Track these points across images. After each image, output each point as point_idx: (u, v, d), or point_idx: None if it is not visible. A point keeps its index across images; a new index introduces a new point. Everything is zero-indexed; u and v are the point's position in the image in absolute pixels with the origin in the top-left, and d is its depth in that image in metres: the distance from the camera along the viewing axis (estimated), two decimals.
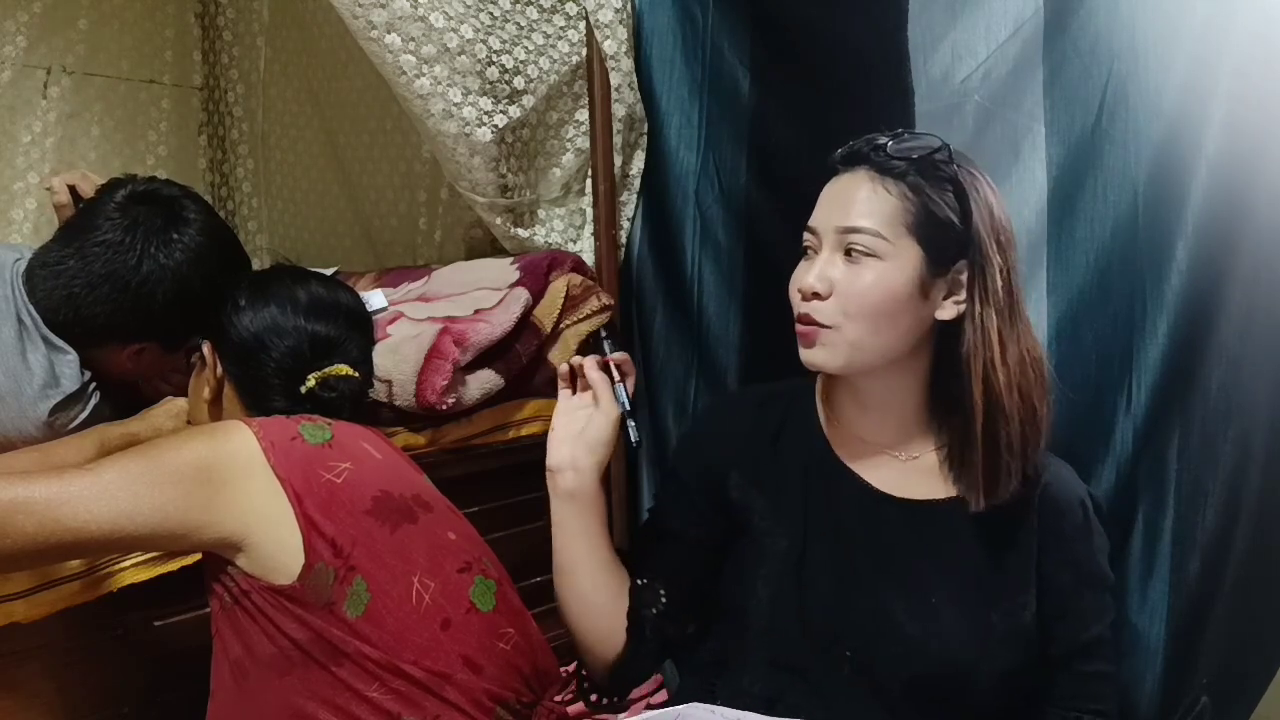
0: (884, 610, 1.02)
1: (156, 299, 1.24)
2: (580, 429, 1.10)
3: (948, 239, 1.01)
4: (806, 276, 1.03)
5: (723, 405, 1.37)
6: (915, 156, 1.02)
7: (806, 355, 1.04)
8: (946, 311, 1.02)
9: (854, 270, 1.01)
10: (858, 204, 1.02)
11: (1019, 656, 1.03)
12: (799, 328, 1.04)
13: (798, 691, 1.02)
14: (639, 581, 1.11)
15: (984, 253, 1.01)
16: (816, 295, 1.02)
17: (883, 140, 1.04)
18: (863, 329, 1.01)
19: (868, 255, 1.00)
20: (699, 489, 1.14)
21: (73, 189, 1.34)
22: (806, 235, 1.06)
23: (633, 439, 1.10)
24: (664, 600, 1.10)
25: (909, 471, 1.08)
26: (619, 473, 1.72)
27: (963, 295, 1.02)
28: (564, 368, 1.14)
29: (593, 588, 1.10)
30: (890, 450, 1.09)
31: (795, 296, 1.05)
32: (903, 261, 1.00)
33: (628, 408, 1.10)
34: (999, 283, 1.01)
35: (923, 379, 1.07)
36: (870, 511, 1.06)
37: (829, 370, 1.05)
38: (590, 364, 1.12)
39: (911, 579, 1.04)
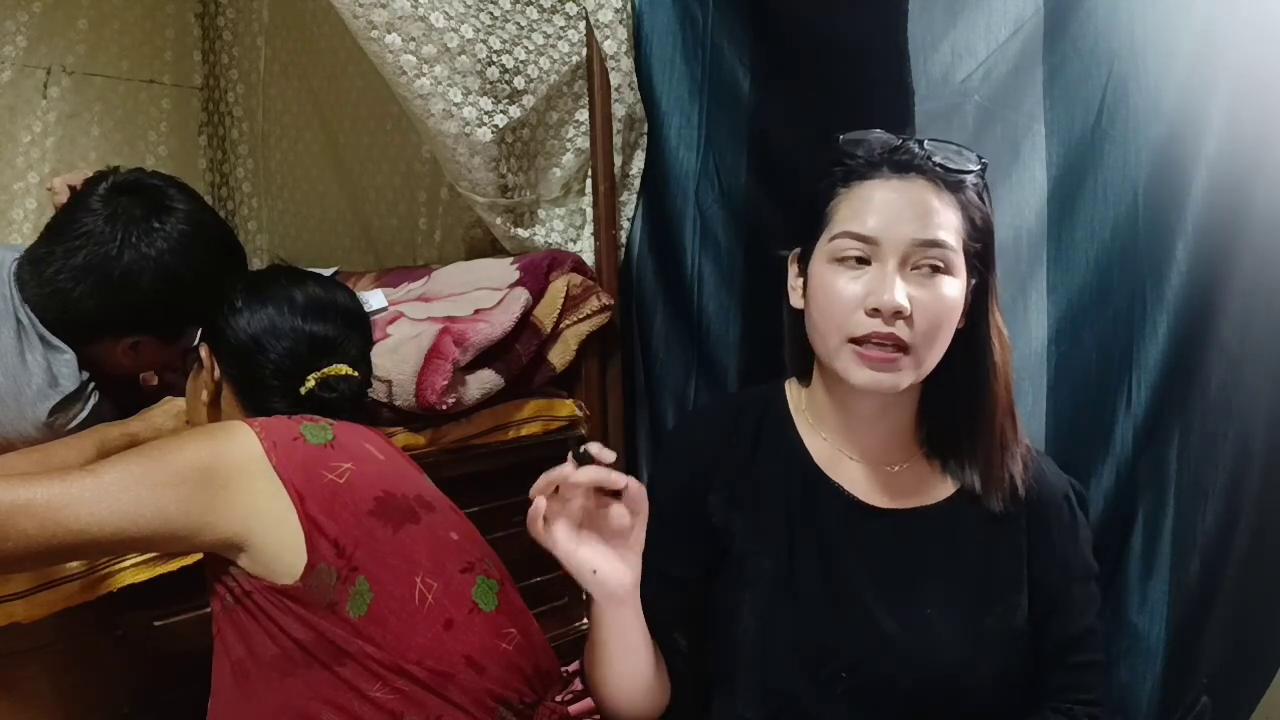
0: (877, 626, 1.01)
1: (141, 289, 1.22)
2: (612, 549, 0.93)
3: (976, 252, 1.01)
4: (891, 295, 0.94)
5: (691, 427, 1.26)
6: (968, 171, 1.00)
7: (875, 379, 0.96)
8: (961, 321, 1.02)
9: (932, 287, 0.97)
10: (935, 217, 0.97)
11: (1013, 658, 1.03)
12: (873, 352, 0.96)
13: (791, 714, 1.01)
14: (657, 637, 1.04)
15: (996, 264, 1.04)
16: (899, 314, 0.95)
17: (924, 148, 1.00)
18: (933, 348, 0.98)
19: (943, 272, 0.97)
20: (680, 523, 1.07)
21: (73, 190, 1.34)
22: (857, 245, 0.98)
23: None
24: (684, 645, 1.07)
25: (894, 481, 1.06)
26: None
27: (969, 305, 1.02)
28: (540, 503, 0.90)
29: (653, 675, 1.02)
30: (875, 461, 1.06)
31: (859, 316, 0.96)
32: (961, 277, 0.99)
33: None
34: (1000, 287, 1.05)
35: (918, 390, 1.05)
36: (858, 525, 1.04)
37: (893, 393, 0.99)
38: (609, 478, 0.90)
39: (904, 591, 1.02)
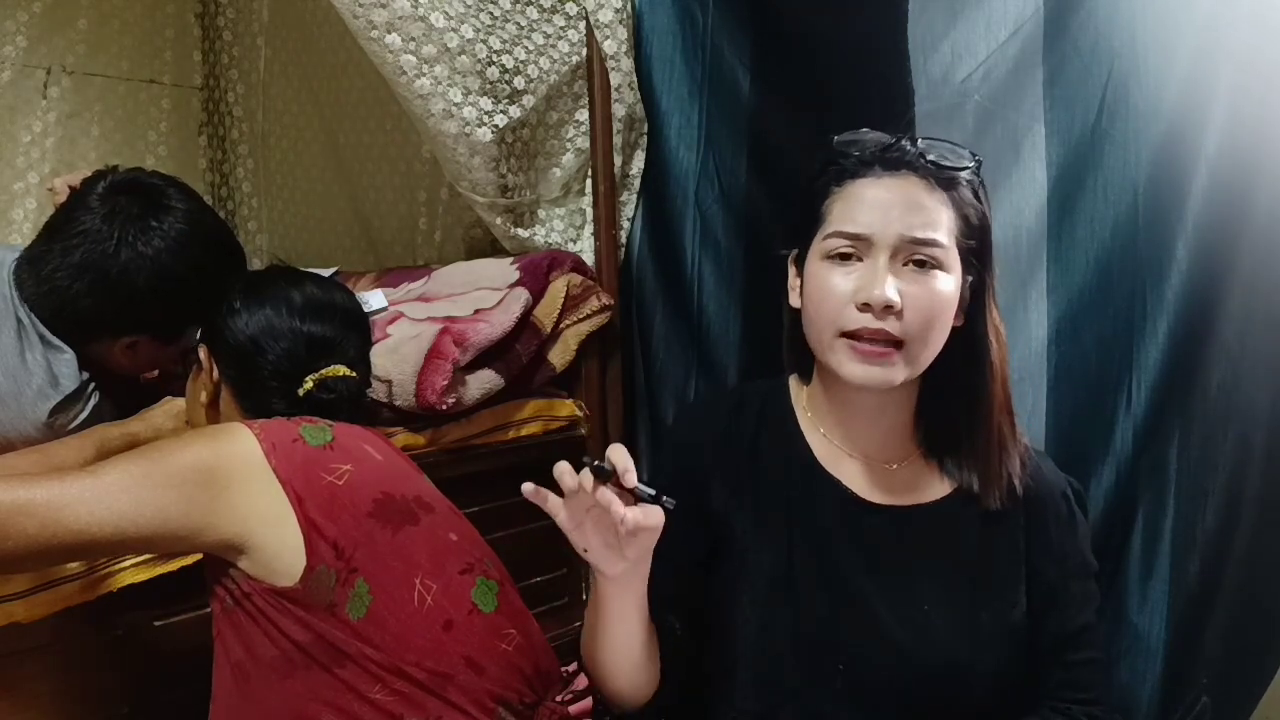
0: (875, 621, 1.01)
1: (137, 288, 1.22)
2: (616, 534, 0.91)
3: (972, 250, 1.02)
4: (881, 289, 0.95)
5: (695, 414, 1.28)
6: (961, 168, 1.00)
7: (868, 372, 0.97)
8: (957, 319, 1.02)
9: (924, 282, 0.97)
10: (926, 214, 0.98)
11: (1011, 654, 1.03)
12: (865, 346, 0.97)
13: (790, 710, 1.02)
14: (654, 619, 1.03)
15: (993, 262, 1.04)
16: (890, 308, 0.95)
17: (917, 146, 1.00)
18: (927, 343, 0.98)
19: (936, 268, 0.98)
20: (681, 507, 1.05)
21: (73, 190, 1.34)
22: (847, 243, 0.99)
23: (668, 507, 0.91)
24: (678, 628, 1.07)
25: (893, 478, 1.07)
26: None
27: (967, 302, 1.03)
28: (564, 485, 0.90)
29: (645, 653, 1.02)
30: (874, 458, 1.07)
31: (850, 311, 0.97)
32: (955, 274, 1.00)
33: (653, 494, 0.90)
34: (998, 286, 1.05)
35: (916, 388, 1.06)
36: (856, 520, 1.05)
37: (887, 388, 0.99)
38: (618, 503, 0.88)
39: (901, 587, 1.03)
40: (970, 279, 1.02)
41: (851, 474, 1.07)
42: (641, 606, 0.99)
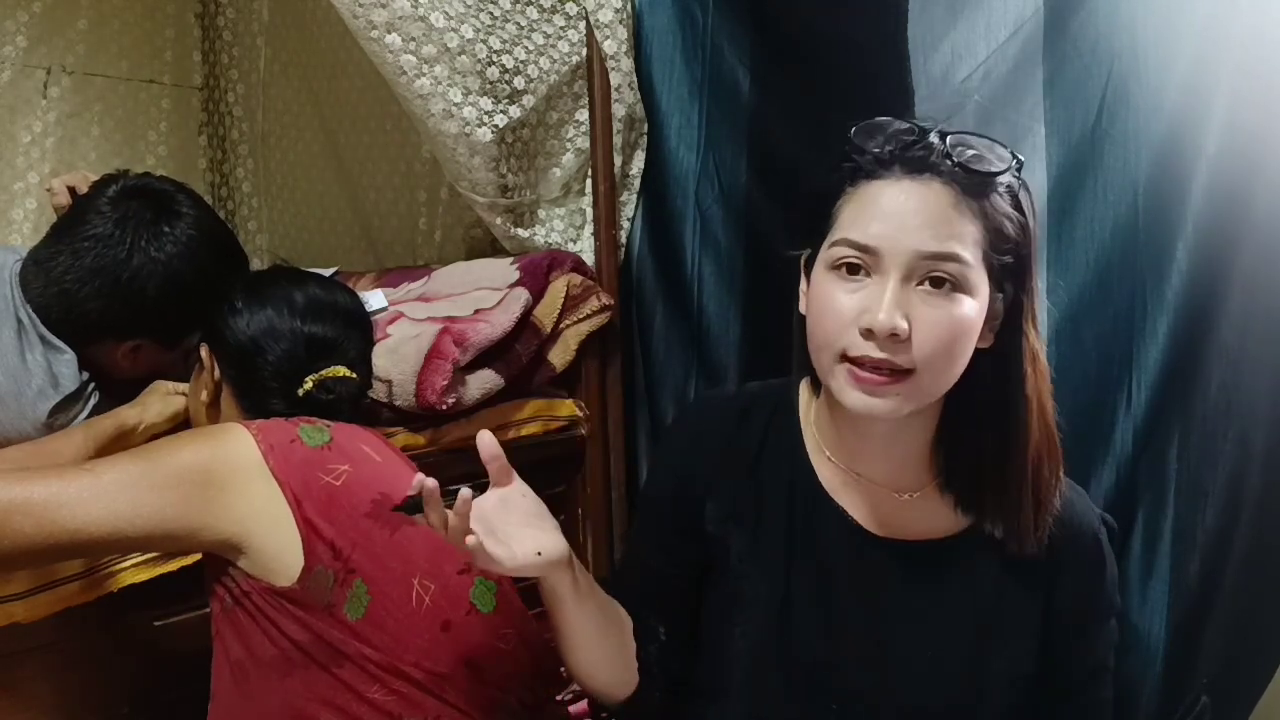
0: (873, 659, 0.95)
1: (147, 293, 1.23)
2: (529, 527, 0.93)
3: (1006, 264, 0.89)
4: (888, 315, 0.83)
5: (696, 425, 1.13)
6: (993, 172, 0.87)
7: (864, 402, 0.86)
8: (985, 340, 0.90)
9: (941, 306, 0.85)
10: (948, 228, 0.85)
11: (1018, 701, 0.96)
12: (861, 373, 0.85)
13: None
14: (635, 621, 1.03)
15: (1034, 277, 0.92)
16: (895, 336, 0.84)
17: (945, 144, 0.87)
18: (939, 372, 0.87)
19: (956, 289, 0.85)
20: (673, 520, 1.04)
21: (72, 190, 1.34)
22: (856, 254, 0.87)
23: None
24: (663, 636, 1.03)
25: (905, 509, 0.97)
26: (619, 473, 1.73)
27: (998, 321, 0.91)
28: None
29: (610, 651, 1.00)
30: (885, 486, 0.97)
31: (853, 334, 0.86)
32: (981, 293, 0.87)
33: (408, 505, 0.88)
34: (1038, 306, 0.94)
35: (937, 413, 0.95)
36: (860, 554, 0.97)
37: (893, 419, 0.89)
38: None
39: (905, 629, 0.95)
40: (1001, 297, 0.89)
41: (858, 503, 0.98)
42: (586, 609, 0.97)
